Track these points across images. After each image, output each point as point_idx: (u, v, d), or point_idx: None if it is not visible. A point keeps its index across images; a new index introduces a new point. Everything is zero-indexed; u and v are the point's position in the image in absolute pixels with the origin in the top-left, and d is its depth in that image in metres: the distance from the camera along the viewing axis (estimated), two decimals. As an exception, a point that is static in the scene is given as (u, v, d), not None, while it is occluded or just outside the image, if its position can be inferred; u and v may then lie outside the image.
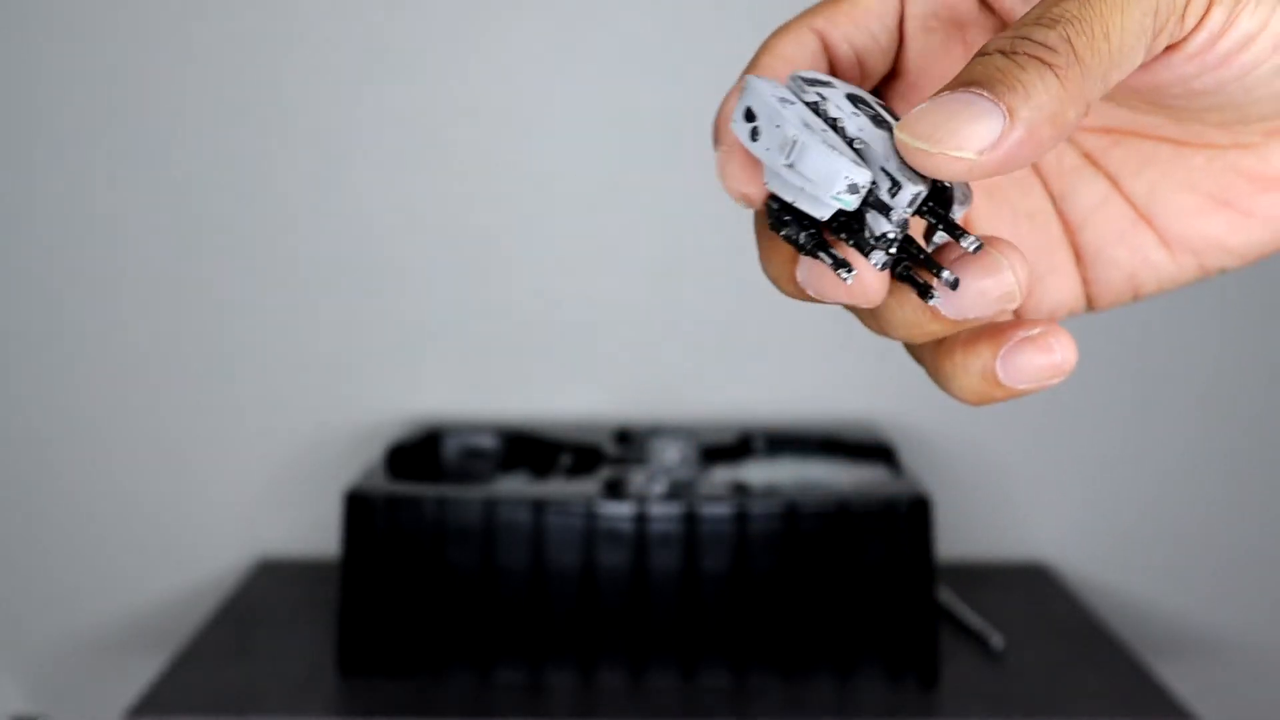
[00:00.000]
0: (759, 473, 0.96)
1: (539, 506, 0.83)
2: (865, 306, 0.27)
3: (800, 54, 0.29)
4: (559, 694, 0.82)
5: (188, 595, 1.08)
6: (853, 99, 0.28)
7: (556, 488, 0.91)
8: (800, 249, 0.27)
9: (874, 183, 0.26)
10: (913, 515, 0.83)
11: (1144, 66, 0.27)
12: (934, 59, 0.30)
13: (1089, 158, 0.32)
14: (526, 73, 1.04)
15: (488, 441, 1.02)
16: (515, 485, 0.95)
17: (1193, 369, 1.09)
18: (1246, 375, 1.08)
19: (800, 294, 0.28)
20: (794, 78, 0.28)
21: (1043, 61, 0.24)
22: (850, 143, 0.27)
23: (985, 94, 0.24)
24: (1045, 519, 1.10)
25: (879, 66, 0.30)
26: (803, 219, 0.27)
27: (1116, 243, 0.32)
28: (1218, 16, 0.26)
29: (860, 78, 0.30)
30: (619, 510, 0.84)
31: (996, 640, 0.90)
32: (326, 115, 1.04)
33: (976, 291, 0.26)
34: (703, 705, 0.81)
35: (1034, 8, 0.26)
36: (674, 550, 0.83)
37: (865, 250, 0.27)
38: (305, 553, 1.08)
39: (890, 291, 0.27)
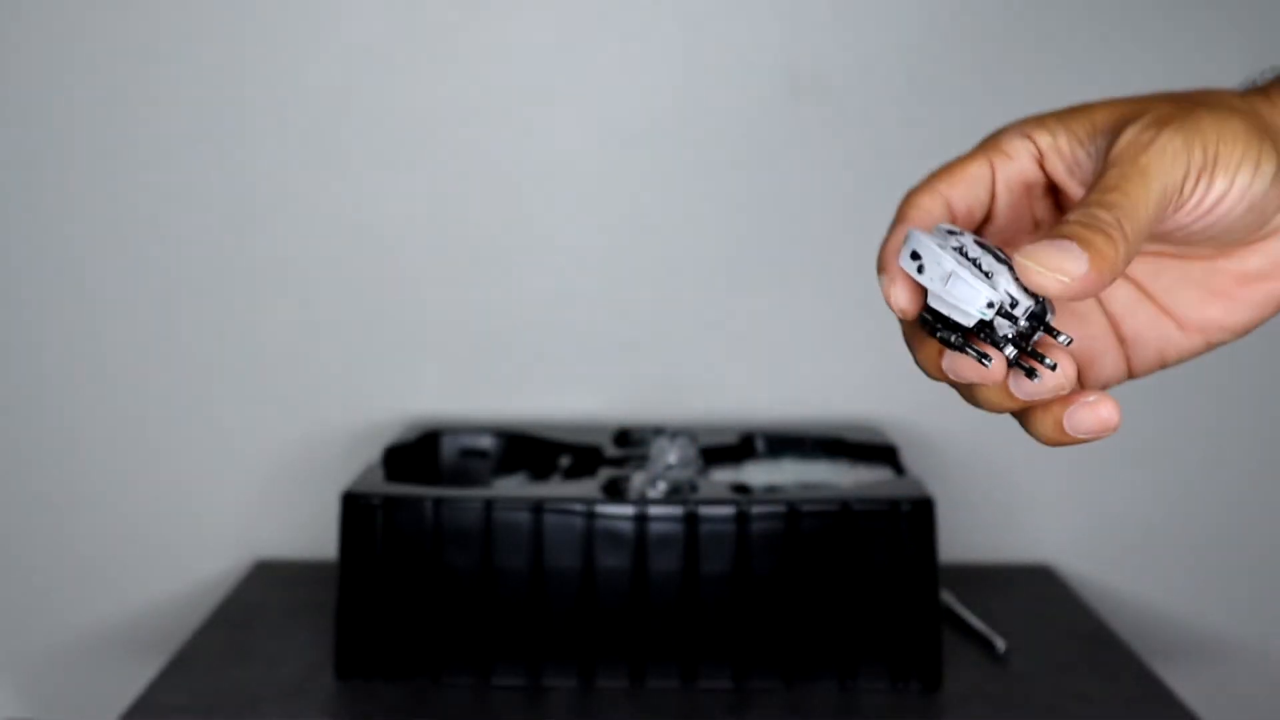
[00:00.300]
0: (760, 474, 0.95)
1: (538, 508, 0.83)
2: (993, 385, 0.40)
3: (934, 207, 0.43)
4: (558, 697, 0.82)
5: (184, 597, 1.08)
6: (978, 243, 0.40)
7: (555, 489, 0.90)
8: (951, 347, 0.40)
9: (1002, 301, 0.38)
10: (916, 517, 0.82)
11: (1159, 227, 0.41)
12: (1013, 212, 0.45)
13: (1131, 278, 0.46)
14: (526, 72, 1.04)
15: (486, 442, 1.02)
16: (514, 486, 0.94)
17: (1199, 371, 1.08)
18: (1254, 378, 1.08)
19: (943, 377, 0.41)
20: (938, 230, 0.41)
21: (1107, 234, 0.38)
22: (986, 275, 0.39)
23: (1076, 245, 0.38)
24: (1049, 521, 1.09)
25: (979, 215, 0.44)
26: (952, 326, 0.39)
27: (1147, 330, 0.46)
28: (1199, 192, 0.41)
29: (968, 223, 0.44)
30: (619, 512, 0.83)
31: (1000, 643, 0.90)
32: (324, 114, 1.04)
33: (1045, 385, 0.40)
34: (703, 708, 0.81)
35: (1094, 192, 0.40)
36: (674, 552, 0.82)
37: (999, 345, 0.39)
38: (302, 554, 1.07)
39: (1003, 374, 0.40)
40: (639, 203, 1.06)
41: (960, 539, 1.04)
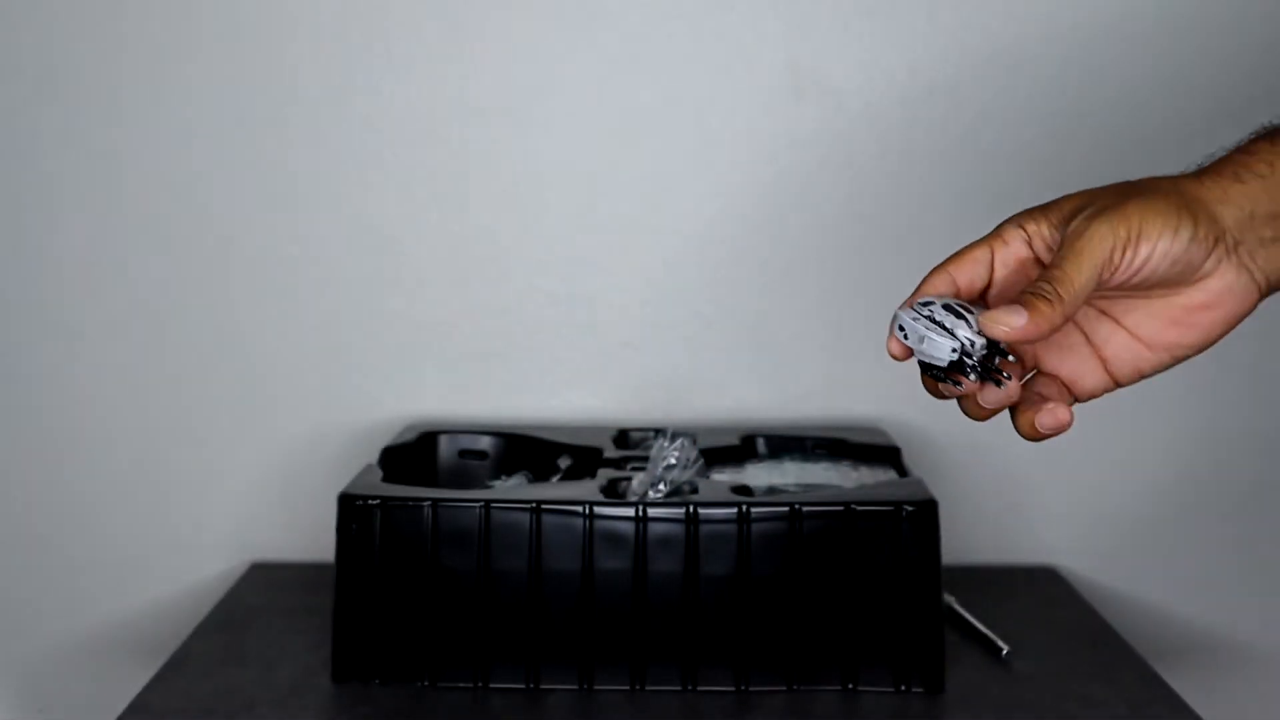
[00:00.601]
0: (761, 475, 0.94)
1: (537, 509, 0.82)
2: (968, 400, 0.59)
3: (944, 285, 0.59)
4: (557, 700, 0.81)
5: (180, 600, 1.07)
6: (946, 306, 0.58)
7: (555, 490, 0.90)
8: (935, 379, 0.58)
9: (962, 347, 0.57)
10: (919, 519, 0.82)
11: (1106, 283, 0.57)
12: (1010, 280, 0.60)
13: (1101, 311, 0.61)
14: (526, 72, 1.03)
15: (485, 443, 1.01)
16: (513, 488, 0.94)
17: (1201, 375, 1.07)
18: (1255, 380, 1.07)
19: (940, 396, 0.60)
20: (924, 301, 0.58)
21: (1046, 299, 0.55)
22: (950, 331, 0.57)
23: (1022, 307, 0.55)
24: (1053, 523, 1.09)
25: (979, 286, 0.60)
26: (934, 368, 0.58)
27: (1123, 352, 0.61)
28: (1128, 258, 0.56)
29: (970, 293, 0.60)
30: (619, 513, 0.82)
31: (1004, 646, 0.89)
32: (323, 114, 1.03)
33: (1001, 394, 0.58)
34: (704, 711, 0.80)
35: (1046, 268, 0.56)
36: (675, 554, 0.82)
37: (966, 374, 0.57)
38: (299, 557, 1.06)
39: (978, 391, 0.58)
40: (639, 203, 1.05)
41: (963, 541, 1.03)
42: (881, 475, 0.94)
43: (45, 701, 1.11)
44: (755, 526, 0.82)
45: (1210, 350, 1.05)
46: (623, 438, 1.01)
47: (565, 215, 1.05)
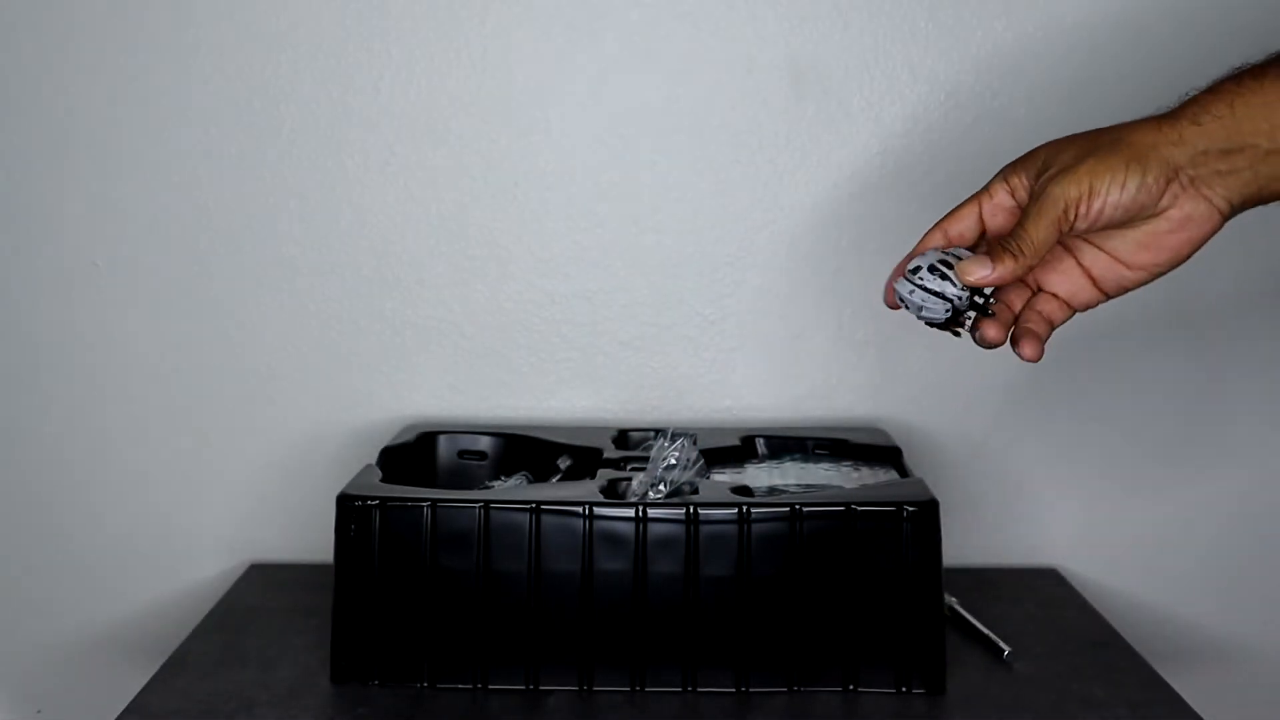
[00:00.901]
0: (762, 476, 0.94)
1: (536, 510, 0.82)
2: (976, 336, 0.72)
3: (938, 238, 0.73)
4: (557, 701, 0.81)
5: (178, 601, 1.07)
6: (931, 269, 0.71)
7: (554, 491, 0.89)
8: (941, 328, 0.72)
9: (953, 304, 0.71)
10: (920, 519, 0.82)
11: (1072, 231, 0.69)
12: (999, 223, 0.72)
13: (1089, 240, 0.71)
14: (526, 72, 1.03)
15: (484, 444, 1.01)
16: (512, 488, 0.94)
17: (1203, 375, 1.08)
18: (1256, 381, 1.07)
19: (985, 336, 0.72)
20: (908, 272, 0.72)
21: (1010, 252, 0.68)
22: (938, 294, 0.70)
23: (989, 259, 0.69)
24: (1055, 524, 1.09)
25: (970, 237, 0.73)
26: (939, 324, 0.72)
27: (1106, 271, 0.72)
28: (1083, 209, 0.67)
29: (961, 242, 0.73)
30: (619, 514, 0.82)
31: (1005, 647, 0.89)
32: (321, 113, 1.03)
33: (995, 333, 0.72)
34: (704, 713, 0.80)
35: (1015, 224, 0.69)
36: (675, 554, 0.81)
37: (963, 315, 0.71)
38: (298, 557, 1.06)
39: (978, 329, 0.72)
40: (639, 202, 1.05)
41: (965, 542, 1.03)
42: (882, 476, 0.94)
43: (43, 701, 1.10)
44: (756, 527, 0.81)
45: (1211, 351, 1.06)
46: (623, 438, 1.00)
47: (565, 215, 1.05)
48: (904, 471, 0.94)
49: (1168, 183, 0.67)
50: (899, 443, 0.99)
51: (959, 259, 0.70)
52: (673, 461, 0.86)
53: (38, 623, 1.09)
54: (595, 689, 0.82)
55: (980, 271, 0.69)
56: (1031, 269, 0.69)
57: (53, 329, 1.06)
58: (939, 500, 0.83)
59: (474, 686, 0.82)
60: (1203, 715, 0.81)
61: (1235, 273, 1.05)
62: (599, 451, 0.95)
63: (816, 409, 1.07)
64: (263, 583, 1.04)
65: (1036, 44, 1.01)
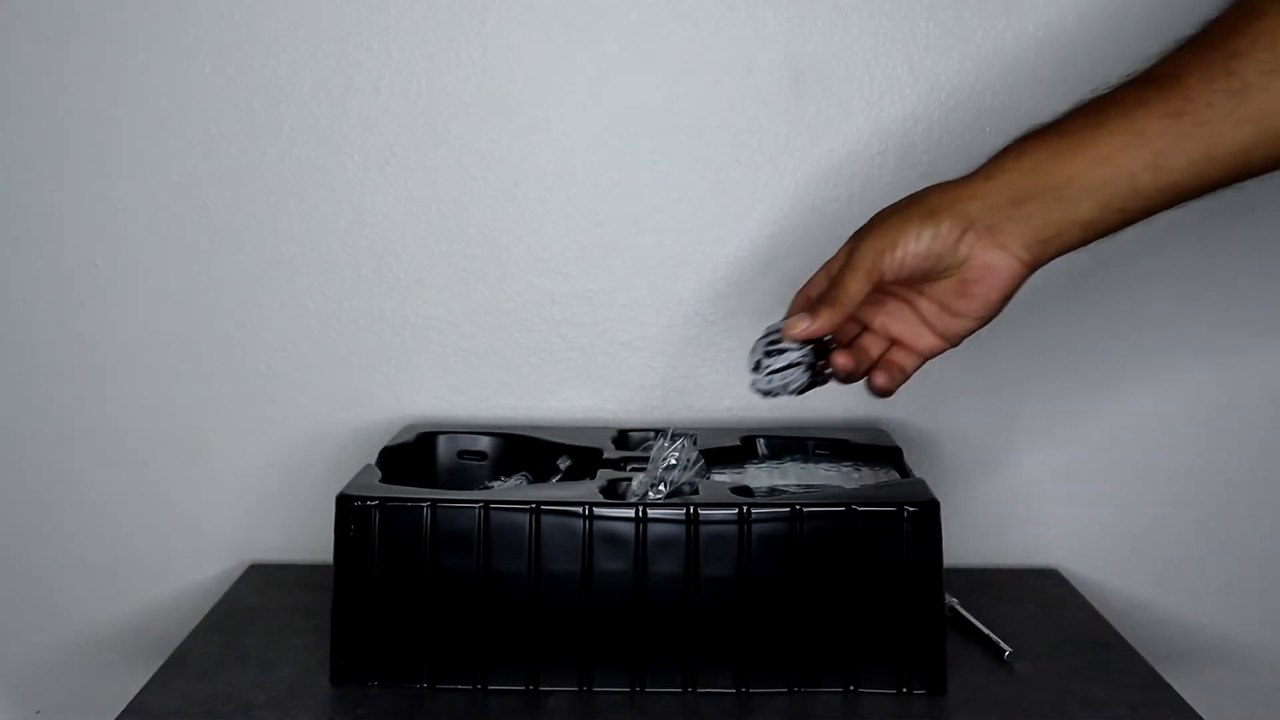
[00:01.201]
0: (762, 476, 0.94)
1: (536, 510, 0.82)
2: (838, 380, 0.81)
3: (801, 303, 0.81)
4: (556, 702, 0.81)
5: (178, 601, 1.07)
6: (767, 353, 0.79)
7: (554, 491, 0.89)
8: (813, 384, 0.80)
9: (801, 366, 0.79)
10: (920, 520, 0.81)
11: (887, 281, 0.76)
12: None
13: (919, 291, 0.77)
14: (526, 71, 1.03)
15: (484, 444, 1.01)
16: (512, 488, 0.93)
17: (1204, 375, 1.07)
18: (1257, 382, 1.07)
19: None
20: (751, 371, 0.80)
21: (827, 306, 0.76)
22: (786, 367, 0.79)
23: (808, 314, 0.77)
24: (1056, 524, 1.09)
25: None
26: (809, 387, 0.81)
27: (933, 318, 0.77)
28: (885, 263, 0.74)
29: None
30: (619, 514, 0.82)
31: (1006, 647, 0.89)
32: (321, 113, 1.03)
33: (845, 363, 0.79)
34: (705, 713, 0.80)
35: (833, 279, 0.77)
36: (675, 555, 0.81)
37: (818, 369, 0.80)
38: (297, 558, 1.06)
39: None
40: (639, 202, 1.05)
41: (966, 542, 1.02)
42: (883, 476, 0.94)
43: (42, 702, 1.10)
44: (756, 528, 0.81)
45: (1214, 351, 1.06)
46: (623, 438, 1.00)
47: (565, 215, 1.05)
48: (904, 472, 0.94)
49: (963, 233, 0.73)
50: (899, 443, 0.99)
51: (779, 329, 0.78)
52: (673, 462, 0.86)
53: (37, 623, 1.09)
54: (595, 689, 0.82)
55: (802, 325, 0.76)
56: (848, 315, 0.76)
57: (53, 329, 1.06)
58: (939, 500, 0.82)
59: (474, 687, 0.82)
60: (1203, 715, 0.81)
61: (1242, 275, 1.05)
62: (599, 452, 0.95)
63: (817, 409, 1.06)
64: (262, 583, 1.04)
65: (1037, 44, 1.01)
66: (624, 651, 0.82)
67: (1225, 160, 0.69)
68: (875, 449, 0.98)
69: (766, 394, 0.79)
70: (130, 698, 0.82)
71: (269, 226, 1.04)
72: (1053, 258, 0.74)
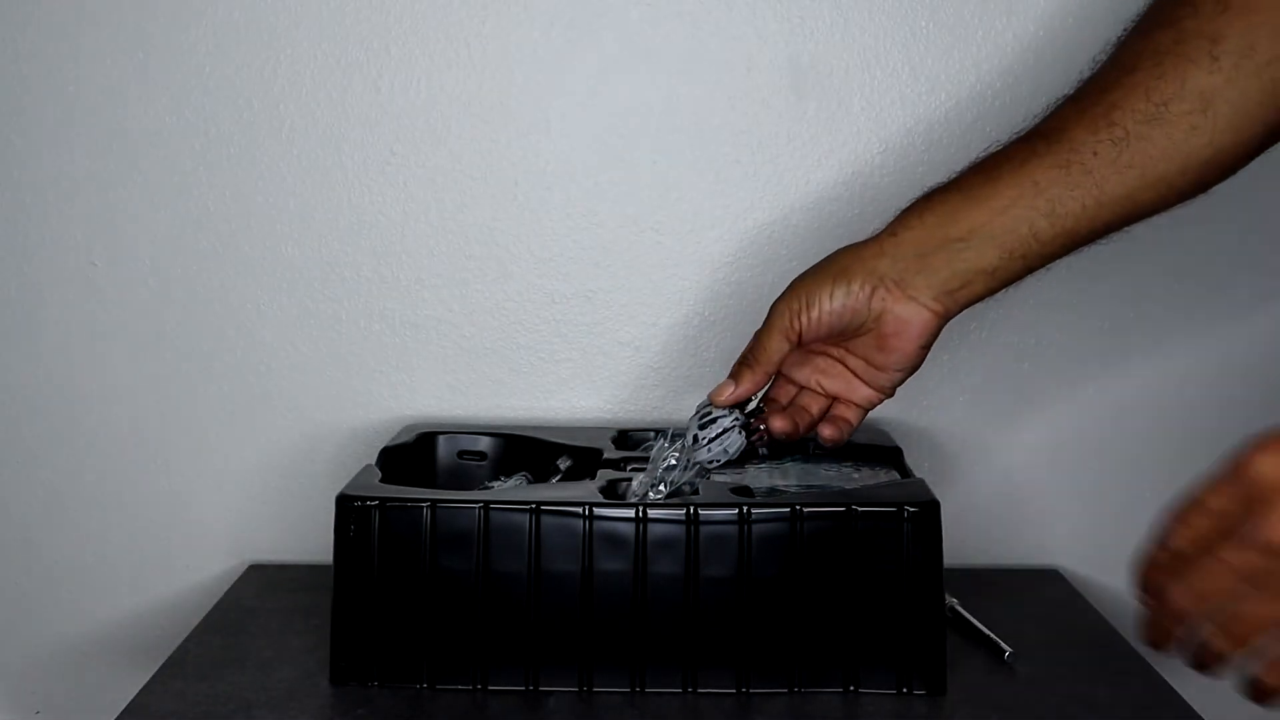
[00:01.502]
0: (762, 476, 0.94)
1: (536, 510, 0.81)
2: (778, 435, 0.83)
3: (740, 367, 0.83)
4: (556, 703, 0.81)
5: (177, 601, 1.07)
6: (700, 425, 0.82)
7: (554, 491, 0.89)
8: (751, 448, 0.83)
9: (735, 429, 0.82)
10: (921, 520, 0.81)
11: (805, 341, 0.80)
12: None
13: (845, 348, 0.81)
14: (526, 71, 1.03)
15: (483, 444, 1.01)
16: (512, 489, 0.93)
17: (1205, 376, 1.07)
18: (1257, 382, 1.07)
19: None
20: (689, 450, 0.83)
21: (746, 367, 0.81)
22: (720, 434, 0.82)
23: (731, 379, 0.81)
24: (1057, 524, 1.08)
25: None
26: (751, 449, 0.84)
27: (862, 371, 0.81)
28: (802, 322, 0.78)
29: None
30: (618, 514, 0.82)
31: (1007, 648, 0.89)
32: (321, 113, 1.03)
33: (783, 426, 0.82)
34: (705, 714, 0.80)
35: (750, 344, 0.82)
36: (675, 555, 0.81)
37: (760, 439, 0.83)
38: (297, 558, 1.06)
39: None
40: (639, 202, 1.05)
41: (966, 542, 1.02)
42: (883, 476, 0.93)
43: (42, 703, 1.10)
44: (756, 528, 0.81)
45: (1216, 353, 1.06)
46: (623, 438, 1.00)
47: (565, 215, 1.05)
48: (905, 472, 0.93)
49: (874, 290, 0.77)
50: (899, 443, 0.99)
51: (709, 403, 0.81)
52: (673, 462, 0.86)
53: (37, 623, 1.09)
54: (595, 690, 0.82)
55: (727, 391, 0.80)
56: (769, 374, 0.80)
57: (52, 329, 1.06)
58: (939, 501, 0.82)
59: (474, 687, 0.82)
60: (1204, 715, 0.81)
61: (1244, 275, 1.05)
62: (599, 452, 0.95)
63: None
64: (262, 583, 1.04)
65: (1037, 44, 1.01)
66: (624, 652, 0.82)
67: (1113, 205, 0.74)
68: (875, 449, 0.98)
69: (707, 464, 0.81)
70: (130, 698, 0.82)
71: (269, 226, 1.04)
72: (963, 307, 0.78)
